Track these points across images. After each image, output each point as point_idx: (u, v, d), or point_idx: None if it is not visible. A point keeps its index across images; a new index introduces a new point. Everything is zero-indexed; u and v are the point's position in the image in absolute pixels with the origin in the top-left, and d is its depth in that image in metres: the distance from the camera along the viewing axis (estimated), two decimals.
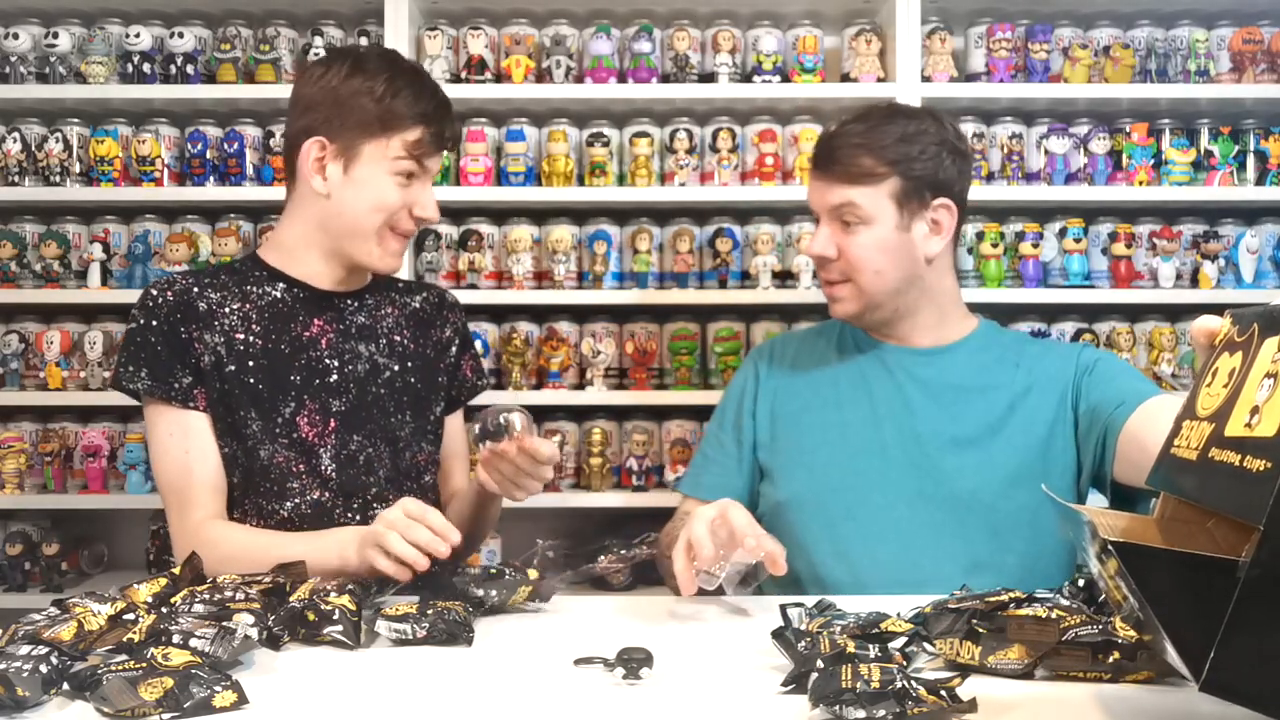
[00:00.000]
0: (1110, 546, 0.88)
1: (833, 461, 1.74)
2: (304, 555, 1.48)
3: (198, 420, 1.65)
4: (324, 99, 1.67)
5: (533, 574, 1.49)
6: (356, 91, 1.65)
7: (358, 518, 1.68)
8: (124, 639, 1.17)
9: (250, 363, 1.67)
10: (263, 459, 1.66)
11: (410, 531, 1.43)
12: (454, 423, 1.89)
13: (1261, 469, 0.84)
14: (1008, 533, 1.70)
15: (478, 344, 2.11)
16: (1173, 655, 0.87)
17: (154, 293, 1.68)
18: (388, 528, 1.44)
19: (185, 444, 1.64)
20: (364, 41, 2.64)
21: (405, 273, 2.54)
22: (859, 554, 1.69)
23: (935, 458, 1.72)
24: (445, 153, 1.76)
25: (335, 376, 1.71)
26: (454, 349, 1.86)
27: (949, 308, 1.81)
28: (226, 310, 1.68)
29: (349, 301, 1.76)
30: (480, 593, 1.41)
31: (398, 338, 1.78)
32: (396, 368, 1.76)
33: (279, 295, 1.72)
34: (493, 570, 1.46)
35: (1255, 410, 0.88)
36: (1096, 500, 1.75)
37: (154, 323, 1.65)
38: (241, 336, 1.68)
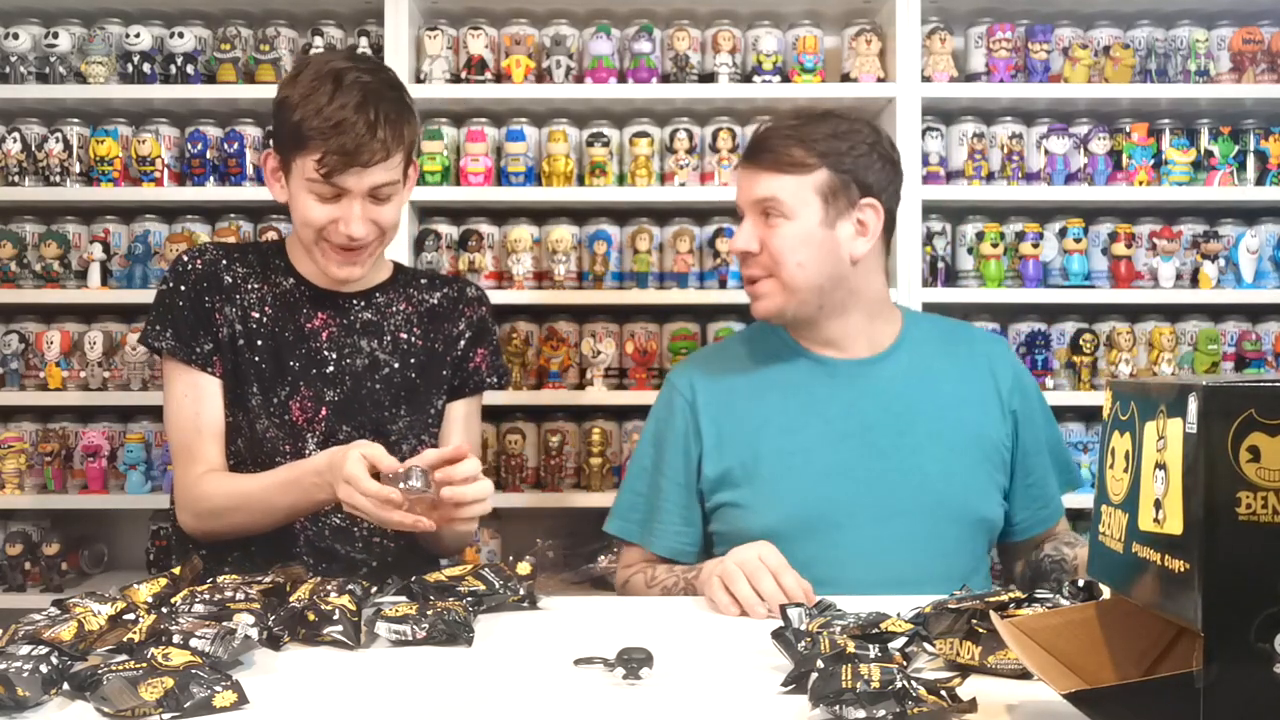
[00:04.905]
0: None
1: (797, 490, 1.69)
2: (289, 500, 1.63)
3: (211, 384, 1.74)
4: (274, 108, 1.71)
5: (524, 569, 1.49)
6: (281, 104, 1.68)
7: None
8: (124, 639, 1.17)
9: (259, 342, 1.75)
10: (259, 431, 1.73)
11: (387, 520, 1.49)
12: (454, 410, 1.86)
13: (1181, 569, 0.86)
14: (975, 530, 1.72)
15: None
16: None
17: (185, 259, 1.77)
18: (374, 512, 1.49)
19: (197, 406, 1.73)
20: (364, 42, 2.64)
21: None
22: (834, 575, 1.62)
23: (899, 470, 1.70)
24: (364, 169, 1.62)
25: (332, 368, 1.77)
26: (463, 343, 1.85)
27: (878, 308, 1.78)
28: (248, 288, 1.77)
29: (355, 301, 1.80)
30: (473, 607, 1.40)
31: (404, 335, 1.81)
32: (397, 365, 1.80)
33: (289, 287, 1.79)
34: (482, 589, 1.44)
35: (1159, 504, 0.89)
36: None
37: (182, 287, 1.74)
38: (256, 315, 1.76)
